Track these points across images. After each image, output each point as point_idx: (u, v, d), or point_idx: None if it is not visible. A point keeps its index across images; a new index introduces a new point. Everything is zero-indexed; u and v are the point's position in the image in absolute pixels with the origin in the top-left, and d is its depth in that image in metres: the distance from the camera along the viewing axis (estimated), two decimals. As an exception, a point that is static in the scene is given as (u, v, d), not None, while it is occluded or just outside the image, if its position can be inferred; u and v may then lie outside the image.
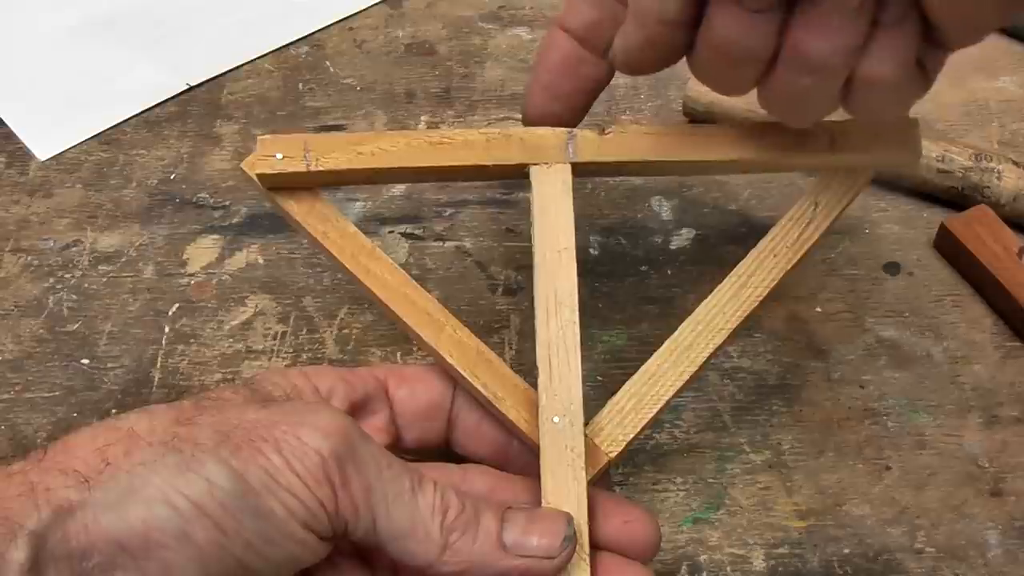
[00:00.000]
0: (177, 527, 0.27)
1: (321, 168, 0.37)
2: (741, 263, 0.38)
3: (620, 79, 0.56)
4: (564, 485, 0.33)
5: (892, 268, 0.48)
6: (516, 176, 0.38)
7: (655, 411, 0.36)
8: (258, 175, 0.37)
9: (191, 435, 0.29)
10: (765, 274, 0.37)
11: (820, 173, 0.39)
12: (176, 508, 0.27)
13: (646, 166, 0.39)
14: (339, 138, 0.38)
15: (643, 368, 0.36)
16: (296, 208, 0.38)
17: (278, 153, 0.37)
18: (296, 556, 0.30)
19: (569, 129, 0.38)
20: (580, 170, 0.38)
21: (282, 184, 0.38)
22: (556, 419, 0.34)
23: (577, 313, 0.35)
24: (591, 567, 0.33)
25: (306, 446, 0.29)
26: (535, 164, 0.37)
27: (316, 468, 0.29)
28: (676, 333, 0.37)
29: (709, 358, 0.36)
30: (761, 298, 0.37)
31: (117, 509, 0.27)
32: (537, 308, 0.36)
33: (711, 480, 0.41)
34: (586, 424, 0.35)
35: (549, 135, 0.38)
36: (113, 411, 0.44)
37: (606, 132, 0.38)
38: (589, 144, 0.38)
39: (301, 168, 0.37)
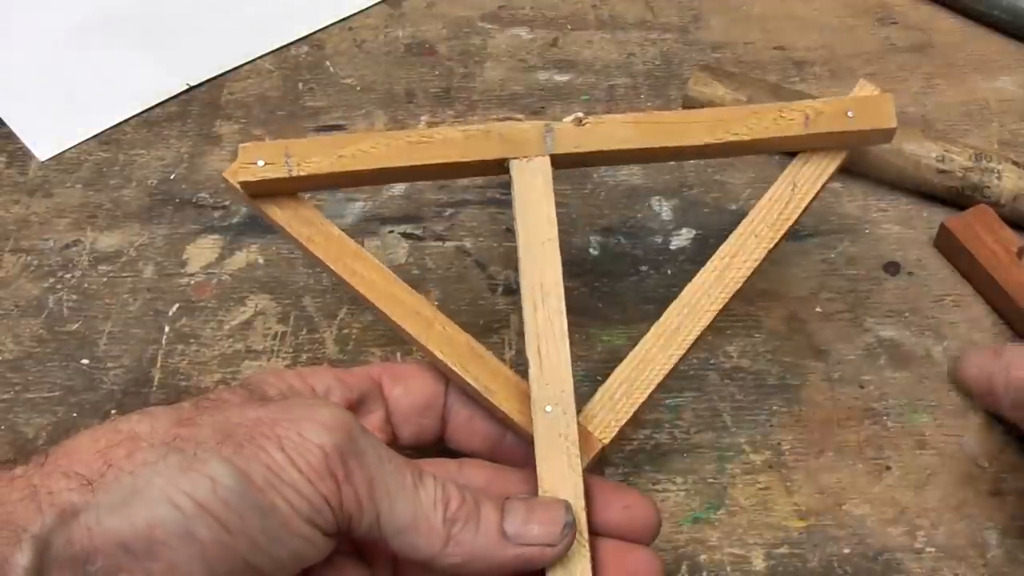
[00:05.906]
0: (181, 527, 0.27)
1: (302, 173, 0.37)
2: (723, 245, 0.38)
3: (619, 78, 0.56)
4: (560, 473, 0.33)
5: (892, 268, 0.48)
6: (497, 171, 0.38)
7: (646, 395, 0.36)
8: (241, 183, 0.37)
9: (193, 435, 0.29)
10: (747, 255, 0.38)
11: (798, 154, 0.40)
12: (180, 508, 0.27)
13: (625, 154, 0.39)
14: (319, 142, 0.38)
15: (632, 354, 0.37)
16: (280, 214, 0.38)
17: (259, 160, 0.37)
18: (301, 553, 0.30)
19: (547, 121, 0.38)
20: (560, 161, 0.38)
21: (265, 191, 0.38)
22: (548, 408, 0.34)
23: (563, 303, 0.36)
24: (594, 554, 0.33)
25: (308, 441, 0.30)
26: (514, 158, 0.38)
27: (319, 463, 0.29)
28: (663, 317, 0.37)
29: (697, 340, 0.37)
30: (744, 279, 0.38)
31: (120, 511, 0.27)
32: (524, 300, 0.36)
33: (711, 480, 0.41)
34: (578, 413, 0.35)
35: (528, 128, 0.38)
36: (113, 411, 0.44)
37: (583, 122, 0.38)
38: (567, 135, 0.38)
39: (283, 174, 0.37)
